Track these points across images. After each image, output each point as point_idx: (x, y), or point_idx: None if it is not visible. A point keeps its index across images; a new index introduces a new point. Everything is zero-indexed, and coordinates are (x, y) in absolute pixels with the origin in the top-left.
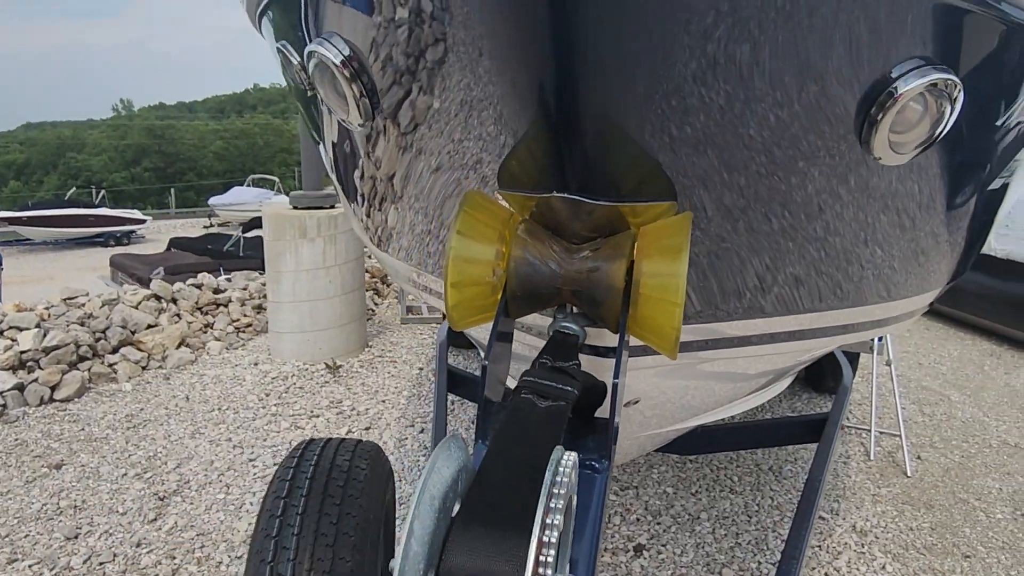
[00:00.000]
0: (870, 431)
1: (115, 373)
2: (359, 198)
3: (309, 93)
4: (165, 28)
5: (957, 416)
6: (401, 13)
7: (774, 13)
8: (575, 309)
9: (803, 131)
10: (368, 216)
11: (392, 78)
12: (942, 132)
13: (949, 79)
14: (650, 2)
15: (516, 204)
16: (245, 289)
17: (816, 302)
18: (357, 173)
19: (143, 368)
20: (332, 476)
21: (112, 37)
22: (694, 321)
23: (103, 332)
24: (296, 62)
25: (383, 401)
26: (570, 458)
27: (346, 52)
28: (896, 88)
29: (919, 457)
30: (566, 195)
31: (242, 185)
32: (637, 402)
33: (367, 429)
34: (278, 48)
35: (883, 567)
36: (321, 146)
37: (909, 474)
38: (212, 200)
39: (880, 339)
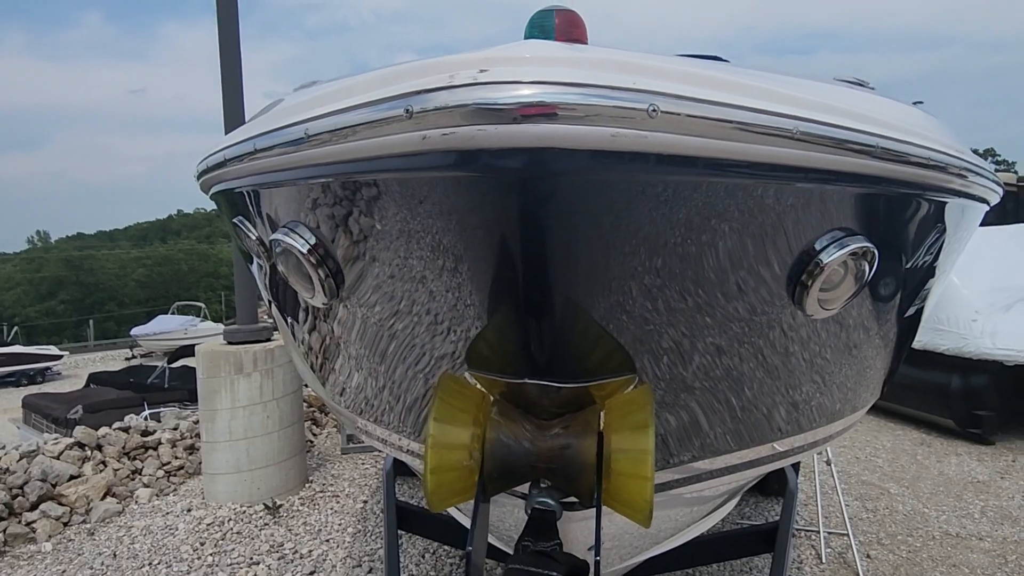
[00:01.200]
0: (819, 532)
1: (34, 532)
2: (303, 345)
3: (267, 267)
4: (85, 159)
5: (899, 510)
6: (368, 207)
7: (703, 218)
8: (548, 482)
9: (745, 303)
10: (312, 364)
11: (358, 265)
12: (863, 287)
13: (865, 247)
14: (608, 220)
15: (487, 385)
16: (176, 429)
17: (771, 435)
18: (305, 326)
19: (65, 524)
20: None
21: (28, 169)
22: (663, 467)
23: (21, 488)
24: (254, 237)
25: (327, 540)
26: None
27: (312, 241)
28: (821, 260)
29: (868, 556)
30: (539, 381)
31: (167, 313)
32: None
33: (311, 574)
34: (234, 223)
35: None
36: (256, 274)
37: (861, 575)
38: (135, 331)
39: None
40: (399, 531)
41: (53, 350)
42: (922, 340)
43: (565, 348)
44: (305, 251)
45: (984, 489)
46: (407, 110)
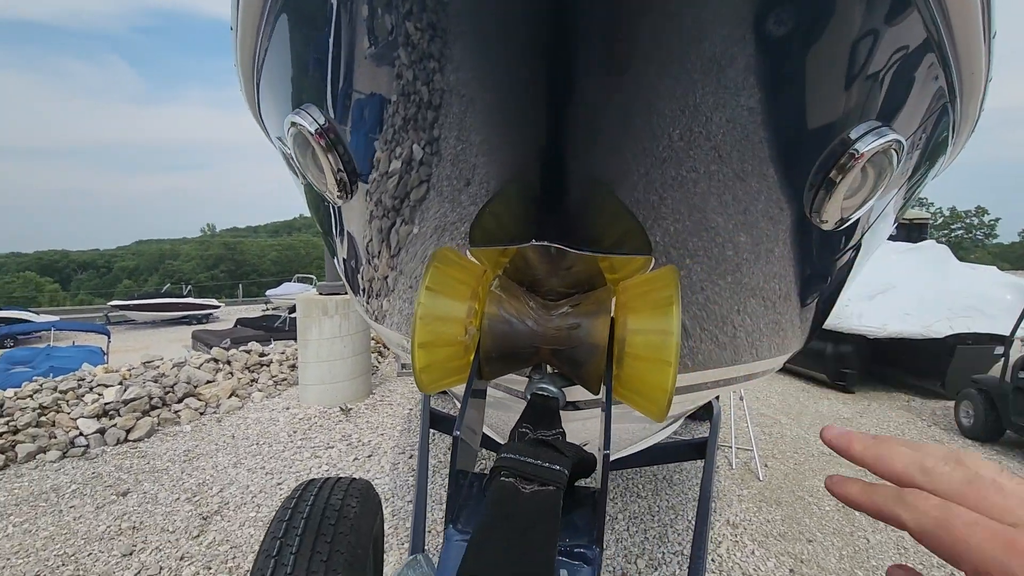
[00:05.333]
0: (731, 447)
1: (179, 418)
2: (356, 282)
3: (301, 181)
4: (240, 176)
5: (787, 435)
6: (377, 79)
7: (752, 88)
8: (551, 369)
9: (761, 200)
10: (363, 293)
11: (368, 148)
12: (876, 193)
13: (897, 138)
14: (645, 79)
15: (488, 259)
16: (283, 353)
17: (722, 362)
18: (352, 261)
19: (200, 414)
20: (326, 515)
21: (200, 183)
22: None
23: (171, 387)
24: (287, 152)
25: (382, 434)
26: None
27: (321, 121)
28: (857, 148)
29: (766, 465)
30: (547, 243)
31: (290, 281)
32: (586, 444)
33: (369, 456)
34: (276, 145)
35: (752, 552)
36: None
37: (761, 478)
38: (269, 292)
39: None
40: (431, 429)
41: (214, 302)
42: None
43: (582, 208)
44: (314, 131)
45: (848, 424)
46: None
